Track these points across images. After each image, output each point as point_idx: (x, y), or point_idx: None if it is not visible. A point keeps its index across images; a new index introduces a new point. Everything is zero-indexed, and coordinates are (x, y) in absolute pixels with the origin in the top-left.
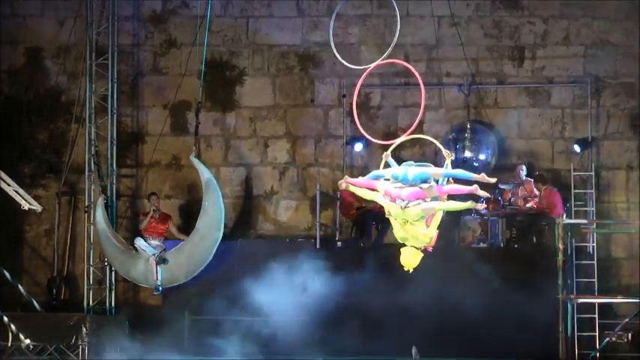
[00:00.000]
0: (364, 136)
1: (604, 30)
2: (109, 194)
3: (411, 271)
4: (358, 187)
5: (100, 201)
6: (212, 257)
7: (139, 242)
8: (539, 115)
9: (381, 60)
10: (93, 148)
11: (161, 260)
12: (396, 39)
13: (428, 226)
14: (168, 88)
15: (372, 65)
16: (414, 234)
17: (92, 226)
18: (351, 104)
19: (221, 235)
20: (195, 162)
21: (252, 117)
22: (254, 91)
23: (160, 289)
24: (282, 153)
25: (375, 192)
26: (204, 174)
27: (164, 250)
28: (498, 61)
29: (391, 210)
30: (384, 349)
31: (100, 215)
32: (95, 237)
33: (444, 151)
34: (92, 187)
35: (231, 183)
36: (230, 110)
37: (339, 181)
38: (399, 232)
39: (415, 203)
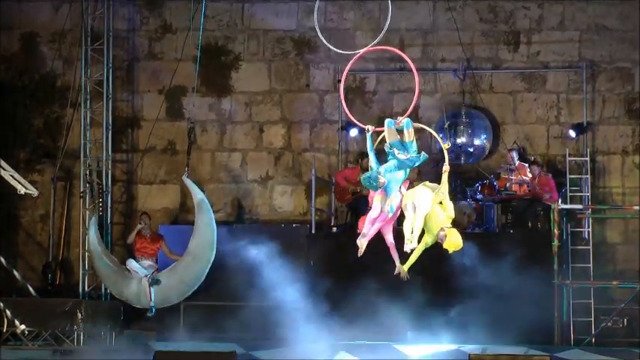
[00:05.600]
0: (359, 122)
1: (599, 14)
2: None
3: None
4: None
5: (94, 220)
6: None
7: (131, 264)
8: (535, 100)
9: (371, 46)
10: (88, 169)
11: (154, 282)
12: (387, 26)
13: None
14: (163, 73)
15: (361, 51)
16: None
17: (87, 212)
18: (344, 89)
19: (214, 255)
20: (188, 182)
21: (247, 102)
22: (249, 76)
23: (154, 310)
24: (277, 138)
25: None
26: (197, 195)
27: (156, 270)
28: (493, 46)
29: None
30: (379, 334)
31: (92, 235)
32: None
33: (442, 143)
34: (87, 172)
35: (226, 168)
36: (225, 95)
37: None
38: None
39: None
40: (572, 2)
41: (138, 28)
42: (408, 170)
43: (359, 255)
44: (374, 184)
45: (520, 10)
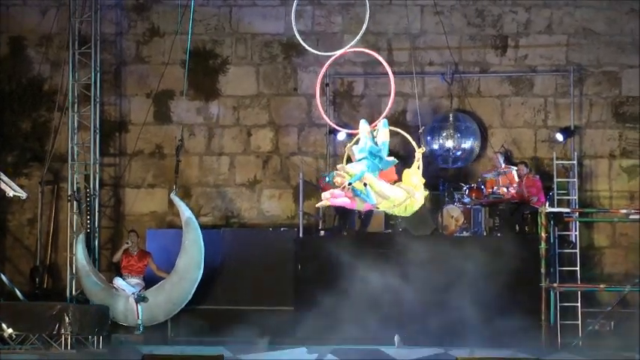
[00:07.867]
0: (348, 125)
1: (586, 18)
2: (91, 191)
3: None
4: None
5: (81, 237)
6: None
7: (118, 282)
8: (522, 104)
9: (347, 48)
10: (76, 186)
11: (141, 299)
12: (363, 29)
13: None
14: (151, 77)
15: (337, 53)
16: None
17: (75, 215)
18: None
19: (201, 274)
20: (176, 200)
21: (235, 106)
22: (237, 80)
23: (142, 328)
24: (265, 142)
25: None
26: (185, 213)
27: (143, 288)
28: (481, 50)
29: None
30: (367, 338)
31: (80, 252)
32: (78, 227)
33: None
34: (75, 175)
35: (214, 172)
36: (213, 99)
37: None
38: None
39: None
40: (559, 6)
41: (125, 31)
42: (376, 173)
43: (316, 205)
44: (331, 180)
45: (508, 14)
